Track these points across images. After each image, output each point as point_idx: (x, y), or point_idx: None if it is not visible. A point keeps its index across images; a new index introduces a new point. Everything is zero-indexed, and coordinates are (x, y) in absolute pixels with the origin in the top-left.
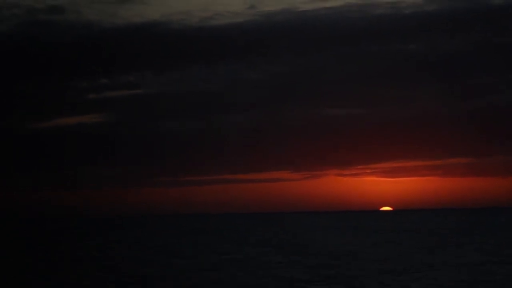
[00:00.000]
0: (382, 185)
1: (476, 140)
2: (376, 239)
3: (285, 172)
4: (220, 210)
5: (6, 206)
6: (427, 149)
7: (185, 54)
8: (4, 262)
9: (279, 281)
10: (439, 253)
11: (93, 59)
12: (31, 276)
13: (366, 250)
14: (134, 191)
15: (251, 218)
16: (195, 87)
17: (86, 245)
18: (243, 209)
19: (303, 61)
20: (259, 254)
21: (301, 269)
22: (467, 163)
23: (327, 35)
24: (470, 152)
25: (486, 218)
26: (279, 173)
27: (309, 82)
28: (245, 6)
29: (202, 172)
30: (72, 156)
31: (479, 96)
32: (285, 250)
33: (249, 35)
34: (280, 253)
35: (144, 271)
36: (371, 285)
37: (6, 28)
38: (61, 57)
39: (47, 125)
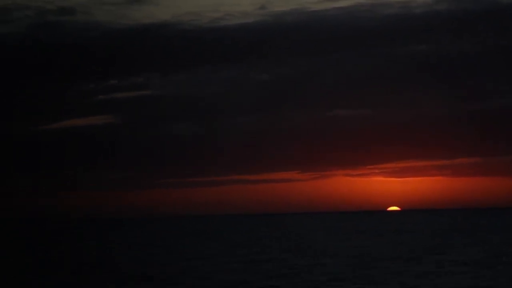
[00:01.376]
0: (390, 185)
1: (484, 140)
2: (385, 239)
3: (293, 172)
4: (227, 211)
5: (12, 207)
6: (435, 149)
7: (195, 55)
8: (18, 260)
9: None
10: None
11: (102, 61)
12: (43, 276)
13: (380, 250)
14: (141, 192)
15: (259, 220)
16: (204, 88)
17: (98, 246)
18: (250, 210)
19: (313, 61)
20: (283, 257)
21: (327, 272)
22: (475, 163)
23: (337, 35)
24: (479, 152)
25: (494, 218)
26: (287, 174)
27: (318, 83)
28: (255, 7)
29: (210, 173)
30: (78, 158)
31: (487, 96)
32: (306, 253)
33: (259, 35)
34: (301, 256)
35: (172, 276)
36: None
37: (16, 29)
38: (70, 58)
39: (55, 126)
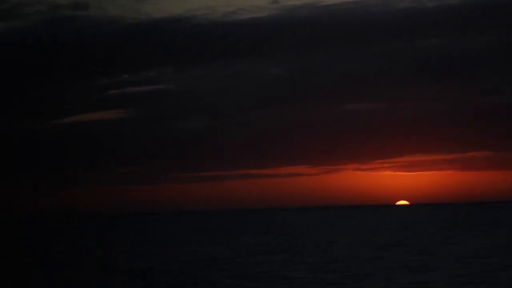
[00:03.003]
0: (399, 179)
1: (494, 134)
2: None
3: (303, 167)
4: (236, 206)
5: (18, 204)
6: (446, 143)
7: (207, 49)
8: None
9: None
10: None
11: (114, 55)
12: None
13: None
14: (149, 187)
15: (269, 214)
16: (216, 83)
17: (102, 242)
18: (259, 205)
19: (324, 56)
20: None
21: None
22: (485, 157)
23: (349, 29)
24: (489, 145)
25: (504, 212)
26: (297, 168)
27: (330, 77)
28: (268, 1)
29: (221, 168)
30: (89, 153)
31: (498, 90)
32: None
33: (271, 30)
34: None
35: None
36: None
37: (29, 24)
38: (83, 53)
39: (67, 121)
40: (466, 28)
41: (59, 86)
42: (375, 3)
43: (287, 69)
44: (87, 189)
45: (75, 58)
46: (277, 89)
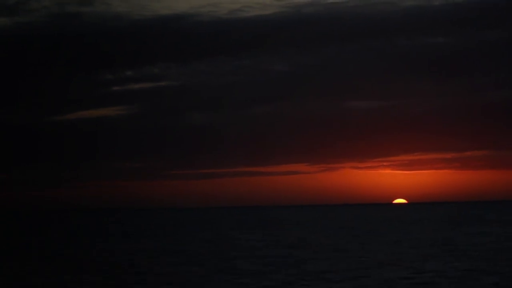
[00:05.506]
0: (397, 178)
1: (493, 133)
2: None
3: (301, 164)
4: (234, 203)
5: (18, 199)
6: (444, 142)
7: (212, 46)
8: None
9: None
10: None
11: (119, 51)
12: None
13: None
14: (148, 184)
15: (269, 211)
16: (218, 80)
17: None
18: (257, 202)
19: (328, 53)
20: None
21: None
22: (483, 156)
23: (355, 27)
24: (487, 144)
25: (503, 211)
26: (296, 166)
27: (331, 75)
28: None
29: (220, 165)
30: (91, 148)
31: (497, 89)
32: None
33: (276, 27)
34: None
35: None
36: None
37: (35, 19)
38: (88, 49)
39: (70, 117)
40: (470, 26)
41: (62, 81)
42: (381, 1)
43: (291, 66)
44: (88, 184)
45: (79, 53)
46: (277, 86)
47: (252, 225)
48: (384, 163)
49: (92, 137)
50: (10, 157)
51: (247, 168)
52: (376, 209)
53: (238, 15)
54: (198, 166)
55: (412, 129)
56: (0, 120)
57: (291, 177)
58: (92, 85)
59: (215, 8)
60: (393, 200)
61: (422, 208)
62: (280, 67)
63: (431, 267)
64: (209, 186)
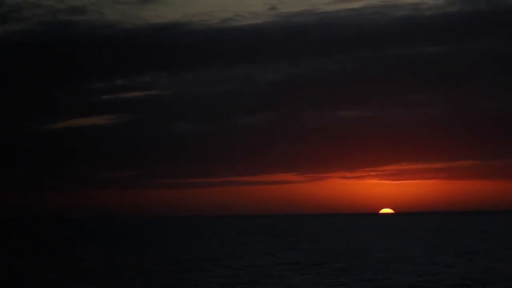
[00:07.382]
0: (385, 188)
1: (481, 143)
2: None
3: (290, 174)
4: (223, 212)
5: (15, 206)
6: (432, 151)
7: (203, 55)
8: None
9: None
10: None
11: (110, 60)
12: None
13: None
14: (138, 192)
15: (257, 221)
16: (209, 89)
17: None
18: (247, 212)
19: (317, 63)
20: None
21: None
22: (471, 166)
23: (346, 37)
24: (475, 154)
25: (490, 221)
26: (285, 175)
27: (321, 85)
28: (266, 7)
29: (209, 174)
30: (81, 157)
31: (484, 99)
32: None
33: (268, 36)
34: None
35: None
36: None
37: (26, 27)
38: (80, 57)
39: (60, 125)
40: (461, 35)
41: (53, 90)
42: (372, 11)
43: (281, 76)
44: (76, 193)
45: (70, 62)
46: (267, 96)
47: (227, 235)
48: (372, 173)
49: (81, 145)
50: None
51: (236, 178)
52: (361, 219)
53: (229, 24)
54: (187, 176)
55: (400, 139)
56: None
57: (279, 186)
58: (83, 93)
59: (206, 17)
60: (380, 210)
61: (408, 218)
62: (270, 76)
63: None
64: (198, 195)
